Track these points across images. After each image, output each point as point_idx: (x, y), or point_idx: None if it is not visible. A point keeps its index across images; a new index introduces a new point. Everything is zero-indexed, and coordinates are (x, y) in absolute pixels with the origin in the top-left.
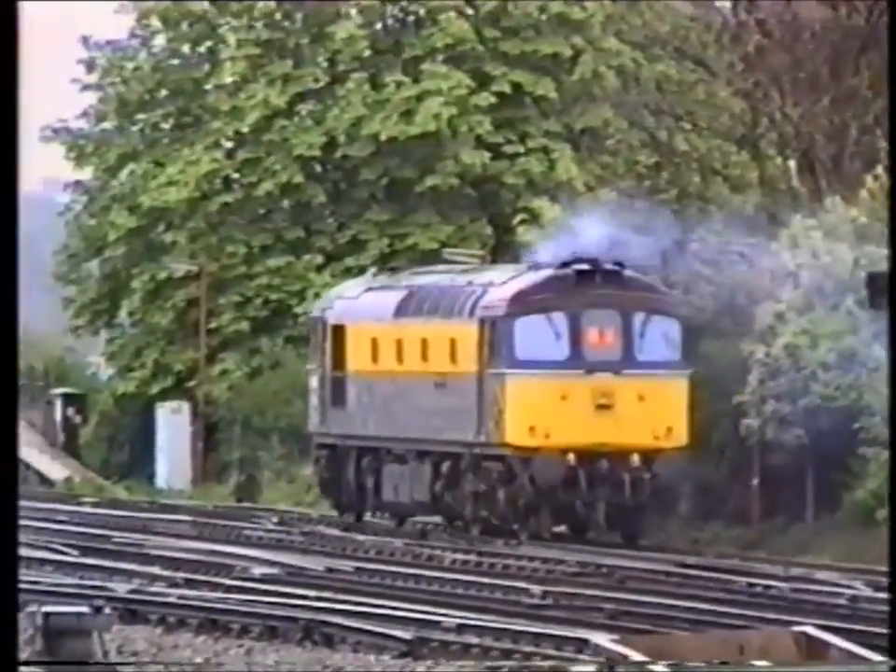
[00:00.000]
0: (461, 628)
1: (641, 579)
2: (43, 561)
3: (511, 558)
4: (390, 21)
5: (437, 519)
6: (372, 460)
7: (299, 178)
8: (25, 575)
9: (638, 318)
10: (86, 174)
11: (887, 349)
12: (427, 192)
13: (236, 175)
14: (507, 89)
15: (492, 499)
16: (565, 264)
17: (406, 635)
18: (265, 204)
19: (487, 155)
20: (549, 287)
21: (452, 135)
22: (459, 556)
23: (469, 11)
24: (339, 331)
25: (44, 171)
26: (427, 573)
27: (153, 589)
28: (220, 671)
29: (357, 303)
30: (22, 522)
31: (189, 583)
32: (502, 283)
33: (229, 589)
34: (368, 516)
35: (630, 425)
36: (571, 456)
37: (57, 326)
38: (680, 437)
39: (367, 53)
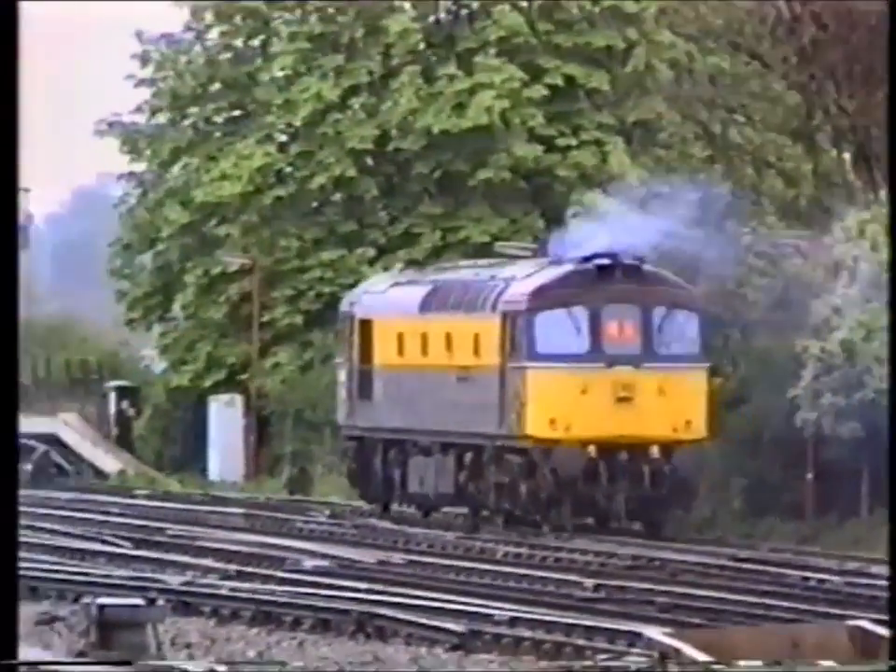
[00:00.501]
0: (513, 621)
1: (694, 572)
2: (97, 553)
3: (564, 551)
4: (443, 15)
5: (462, 510)
6: (399, 452)
7: (351, 172)
8: (79, 567)
9: (658, 312)
10: (140, 167)
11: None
12: (479, 185)
13: (289, 169)
14: (560, 81)
15: (514, 491)
16: (585, 259)
17: (458, 628)
18: (318, 198)
19: (540, 148)
20: (569, 281)
21: (504, 128)
22: (511, 549)
23: (523, 4)
24: (366, 325)
25: (98, 165)
26: (479, 566)
27: (206, 581)
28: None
29: (384, 298)
30: (77, 514)
31: (242, 576)
32: (524, 278)
33: (281, 581)
34: (395, 507)
35: (650, 417)
36: (592, 448)
37: (111, 319)
38: (699, 429)
39: (420, 46)
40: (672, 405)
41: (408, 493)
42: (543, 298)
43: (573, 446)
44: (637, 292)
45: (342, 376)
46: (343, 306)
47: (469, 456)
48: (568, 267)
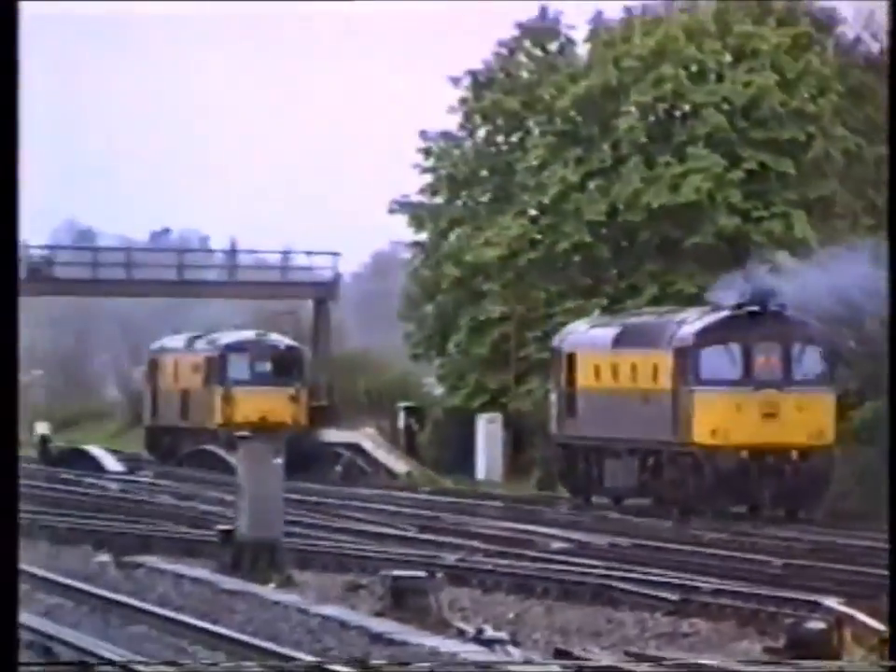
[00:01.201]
0: (717, 592)
1: (868, 554)
2: (391, 536)
3: (757, 536)
4: (662, 115)
5: (645, 501)
6: (596, 455)
7: (588, 239)
8: (378, 547)
9: (796, 347)
10: (422, 236)
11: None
12: (690, 248)
13: (539, 237)
14: (754, 167)
15: (684, 485)
16: (739, 306)
17: (674, 597)
18: (562, 260)
19: (738, 219)
20: (726, 324)
21: (710, 204)
22: (715, 535)
23: (725, 107)
24: (571, 358)
25: (391, 235)
26: (689, 548)
27: (474, 559)
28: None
29: (585, 336)
30: (375, 506)
31: (502, 555)
32: (692, 321)
33: (533, 559)
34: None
35: (790, 429)
36: (744, 453)
37: (400, 355)
38: (829, 437)
39: (643, 140)
40: (807, 419)
41: (604, 487)
42: (706, 337)
43: (730, 451)
44: (778, 332)
45: (553, 398)
46: (555, 343)
47: (650, 459)
48: (726, 313)
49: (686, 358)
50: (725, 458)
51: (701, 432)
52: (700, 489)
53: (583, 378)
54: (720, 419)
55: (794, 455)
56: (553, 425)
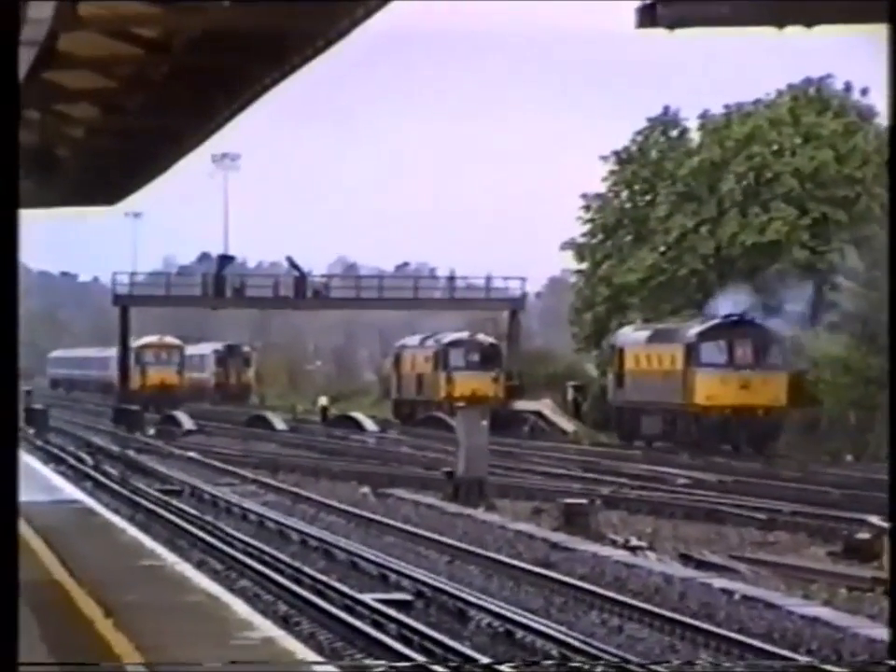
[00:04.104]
0: (793, 513)
1: None
2: (562, 475)
3: (822, 474)
4: (752, 180)
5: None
6: (636, 413)
7: (701, 267)
8: (551, 483)
9: (762, 344)
10: (583, 266)
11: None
12: (774, 273)
13: (666, 266)
14: (818, 216)
15: (689, 431)
16: (726, 317)
17: (762, 516)
18: (682, 282)
19: (807, 252)
20: (717, 328)
21: (787, 242)
22: (791, 473)
23: (797, 174)
24: (621, 351)
25: (563, 264)
26: (774, 482)
27: (623, 491)
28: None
29: (630, 337)
30: (552, 454)
31: (642, 488)
32: (694, 327)
33: (665, 491)
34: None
35: (758, 395)
36: (728, 411)
37: (569, 348)
38: (783, 402)
39: (739, 198)
40: (769, 390)
41: (641, 433)
42: (704, 336)
43: (718, 409)
44: (751, 334)
45: (610, 377)
46: (611, 341)
47: (668, 415)
48: (717, 321)
49: (692, 350)
50: (715, 414)
51: (700, 397)
52: (700, 434)
53: (628, 363)
54: (712, 389)
55: (760, 412)
56: (610, 394)
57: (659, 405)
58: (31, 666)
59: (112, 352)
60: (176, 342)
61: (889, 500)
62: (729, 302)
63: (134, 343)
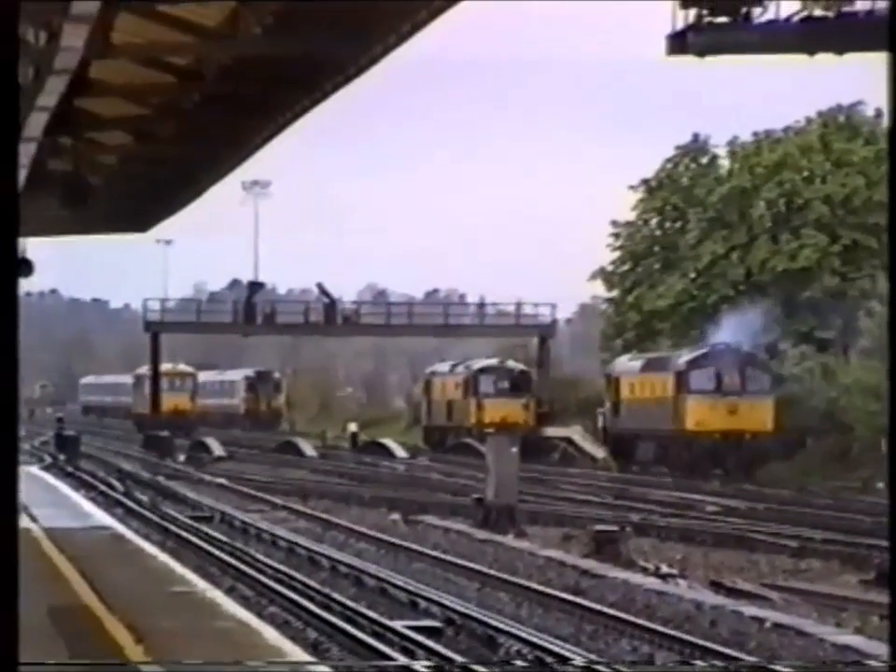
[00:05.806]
0: (825, 541)
1: None
2: (591, 502)
3: (855, 501)
4: (783, 207)
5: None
6: (631, 439)
7: (731, 293)
8: (580, 510)
9: (748, 371)
10: (613, 293)
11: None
12: (805, 299)
13: (696, 292)
14: (849, 242)
15: (680, 457)
16: (714, 346)
17: (794, 544)
18: (712, 308)
19: (838, 279)
20: (705, 356)
21: (818, 268)
22: (823, 500)
23: (828, 201)
24: (617, 380)
25: (591, 292)
26: (806, 510)
27: (652, 518)
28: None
29: (624, 367)
30: (579, 480)
31: (672, 515)
32: (684, 356)
33: (693, 518)
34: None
35: (745, 420)
36: (717, 435)
37: (598, 374)
38: (769, 426)
39: (769, 224)
40: (755, 415)
41: (638, 459)
42: (693, 365)
43: (707, 434)
44: (738, 361)
45: (606, 405)
46: (606, 371)
47: (661, 441)
48: (706, 349)
49: (682, 378)
50: (705, 439)
51: (690, 423)
52: (691, 458)
53: (624, 392)
54: (701, 415)
55: (747, 436)
56: (608, 422)
57: (653, 431)
58: (31, 666)
59: (127, 378)
60: (189, 369)
61: (889, 511)
62: (749, 329)
63: (146, 370)
